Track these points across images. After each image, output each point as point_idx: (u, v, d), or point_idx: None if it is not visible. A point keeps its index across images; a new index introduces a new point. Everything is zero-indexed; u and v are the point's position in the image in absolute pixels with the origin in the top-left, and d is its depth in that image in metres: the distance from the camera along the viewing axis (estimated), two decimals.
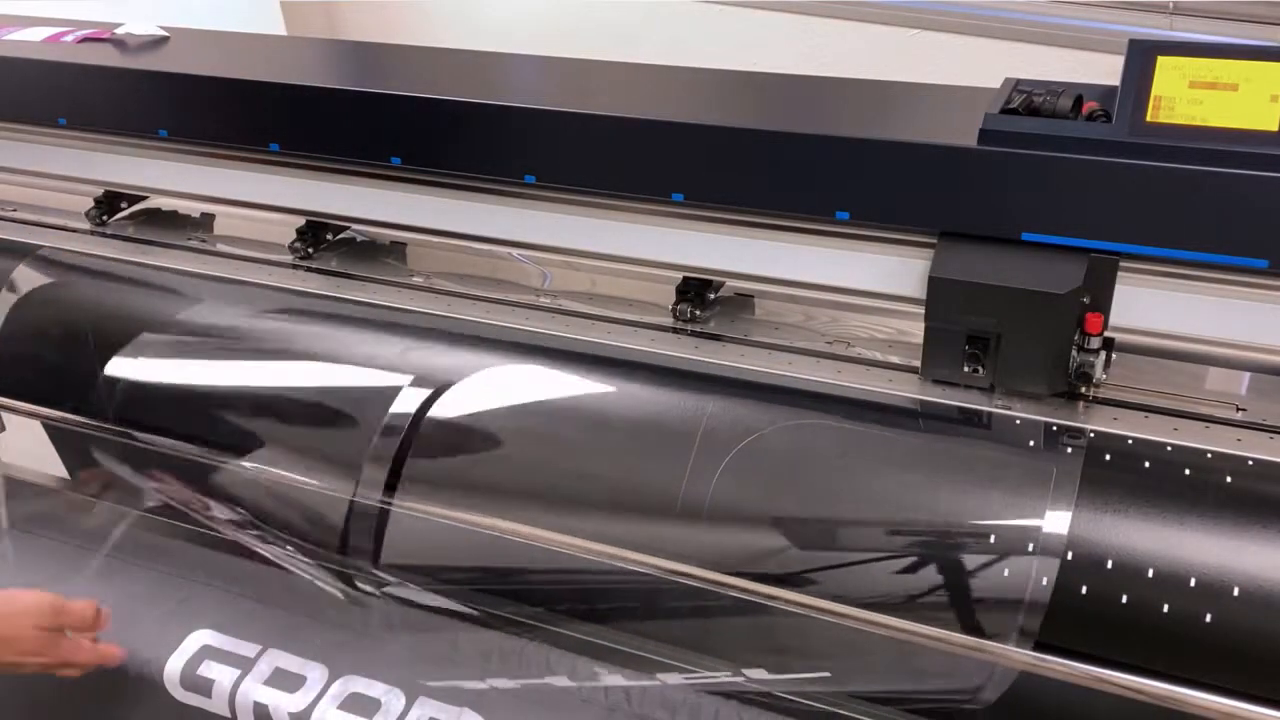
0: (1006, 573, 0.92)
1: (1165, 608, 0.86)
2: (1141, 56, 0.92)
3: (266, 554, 1.32)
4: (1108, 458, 0.93)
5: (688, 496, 1.03)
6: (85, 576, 1.39)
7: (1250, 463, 0.91)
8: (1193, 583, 0.86)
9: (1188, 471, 0.91)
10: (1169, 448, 0.93)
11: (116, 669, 1.23)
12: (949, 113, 1.04)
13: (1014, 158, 0.94)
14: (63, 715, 1.32)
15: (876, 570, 0.96)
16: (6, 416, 1.48)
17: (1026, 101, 0.98)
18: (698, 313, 1.18)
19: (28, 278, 1.39)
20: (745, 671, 1.10)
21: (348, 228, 1.39)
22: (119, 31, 1.47)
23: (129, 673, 1.23)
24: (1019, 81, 1.01)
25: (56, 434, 1.46)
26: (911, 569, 0.95)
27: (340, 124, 1.22)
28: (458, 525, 1.14)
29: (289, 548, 1.31)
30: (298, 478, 1.21)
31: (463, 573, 1.20)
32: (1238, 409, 0.99)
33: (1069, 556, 0.89)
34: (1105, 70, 0.98)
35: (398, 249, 1.41)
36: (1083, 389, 1.01)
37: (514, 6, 3.18)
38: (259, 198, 1.37)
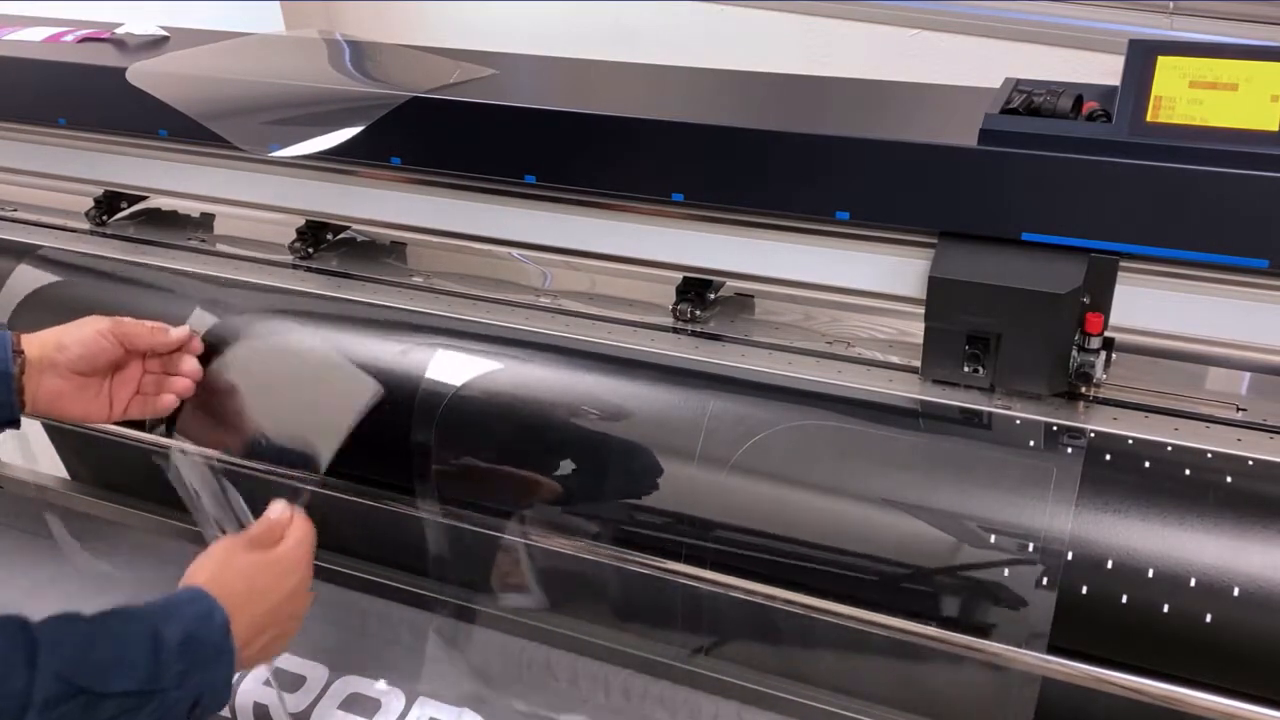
0: (1006, 573, 0.92)
1: (1165, 608, 0.86)
2: (1141, 56, 0.92)
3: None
4: (1108, 458, 0.93)
5: (688, 496, 1.03)
6: (85, 577, 1.39)
7: (1250, 463, 0.91)
8: (1193, 583, 0.86)
9: (1188, 471, 0.91)
10: (1169, 448, 0.93)
11: None
12: (949, 113, 1.04)
13: (1014, 158, 0.94)
14: None
15: (875, 570, 0.96)
16: None
17: (1026, 101, 0.98)
18: (698, 313, 1.18)
19: (27, 277, 1.39)
20: (746, 671, 1.11)
21: (348, 228, 1.39)
22: (119, 31, 1.47)
23: None
24: (1019, 81, 1.01)
25: (56, 434, 1.46)
26: (911, 569, 0.95)
27: None
28: (457, 526, 1.14)
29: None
30: (299, 477, 1.21)
31: (463, 572, 1.20)
32: (1238, 409, 0.99)
33: (1069, 557, 0.89)
34: (1105, 70, 0.98)
35: (398, 249, 1.41)
36: (1083, 389, 1.01)
37: (514, 6, 3.18)
38: (259, 198, 1.37)
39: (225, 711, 1.18)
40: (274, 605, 0.94)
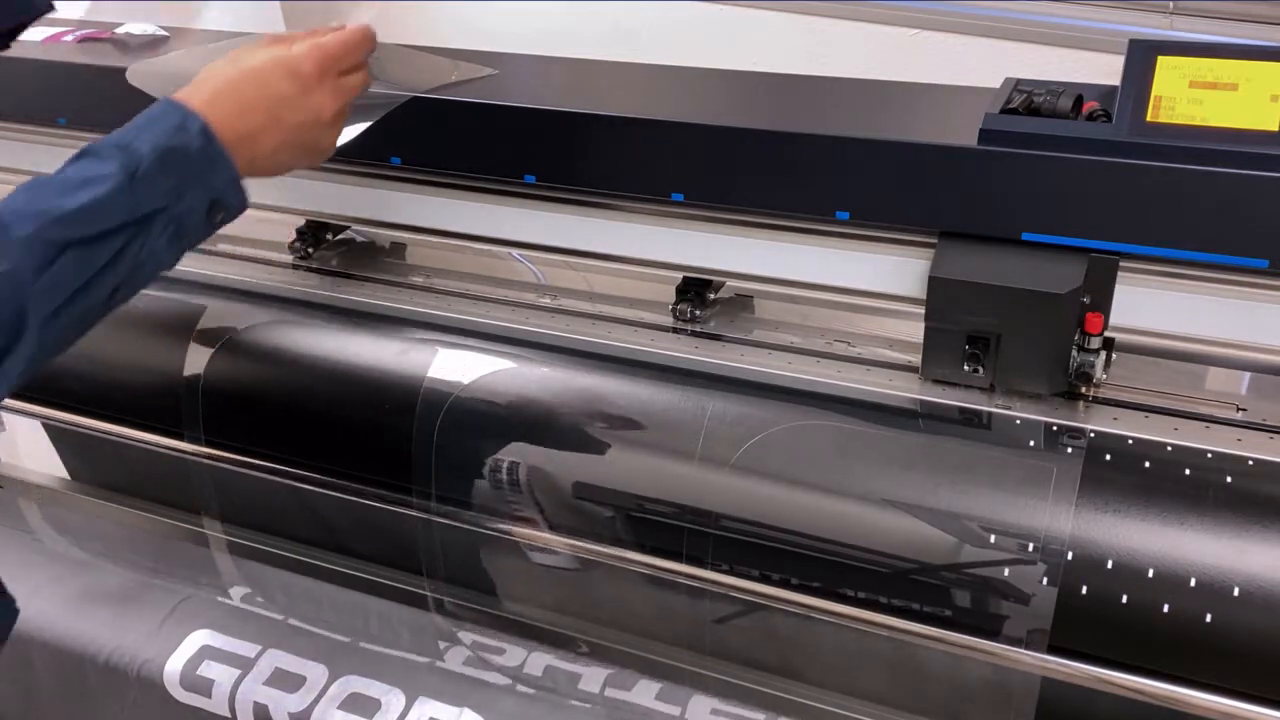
0: (1006, 573, 0.92)
1: (1165, 608, 0.86)
2: (1141, 56, 0.93)
3: (267, 553, 1.32)
4: (1108, 458, 0.93)
5: (688, 496, 1.03)
6: (85, 576, 1.39)
7: (1250, 463, 0.91)
8: (1193, 583, 0.86)
9: (1188, 471, 0.91)
10: (1169, 448, 0.93)
11: (116, 669, 1.23)
12: (949, 113, 1.04)
13: (1014, 158, 0.94)
14: (63, 714, 1.32)
15: (875, 570, 0.96)
16: (6, 416, 1.49)
17: (1026, 101, 0.98)
18: (698, 312, 1.18)
19: None
20: (745, 671, 1.11)
21: (348, 228, 1.39)
22: (119, 31, 1.47)
23: (129, 673, 1.23)
24: (1019, 81, 1.01)
25: (56, 434, 1.46)
26: (910, 569, 0.95)
27: None
28: (457, 526, 1.14)
29: (291, 547, 1.31)
30: (300, 475, 1.21)
31: (463, 571, 1.20)
32: (1238, 409, 0.99)
33: (1069, 557, 0.89)
34: (1105, 70, 0.98)
35: (398, 249, 1.41)
36: (1083, 389, 1.01)
37: (515, 6, 3.18)
38: (259, 198, 1.36)
39: (225, 711, 1.18)
40: (268, 109, 0.88)
